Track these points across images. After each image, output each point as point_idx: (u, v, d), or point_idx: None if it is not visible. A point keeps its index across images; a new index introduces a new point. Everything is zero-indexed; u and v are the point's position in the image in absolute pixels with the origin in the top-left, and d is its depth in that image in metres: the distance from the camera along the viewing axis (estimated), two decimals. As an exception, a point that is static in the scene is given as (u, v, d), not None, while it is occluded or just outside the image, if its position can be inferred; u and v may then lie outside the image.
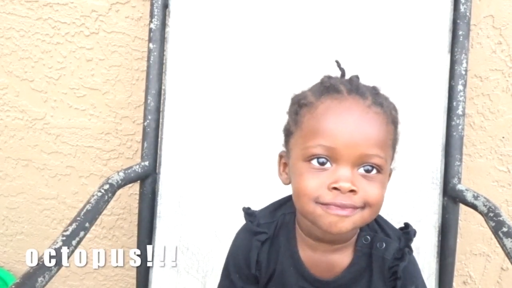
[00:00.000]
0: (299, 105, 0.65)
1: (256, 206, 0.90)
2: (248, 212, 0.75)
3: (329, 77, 0.66)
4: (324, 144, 0.60)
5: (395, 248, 0.69)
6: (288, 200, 0.74)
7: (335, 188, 0.59)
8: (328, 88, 0.63)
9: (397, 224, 0.76)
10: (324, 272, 0.70)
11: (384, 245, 0.69)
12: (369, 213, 0.62)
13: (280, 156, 0.70)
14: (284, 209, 0.74)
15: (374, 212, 0.63)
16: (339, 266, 0.70)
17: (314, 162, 0.60)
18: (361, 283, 0.70)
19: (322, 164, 0.60)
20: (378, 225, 0.71)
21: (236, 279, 0.74)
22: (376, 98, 0.63)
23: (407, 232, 0.71)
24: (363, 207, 0.61)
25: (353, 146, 0.59)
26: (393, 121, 0.64)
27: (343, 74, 0.69)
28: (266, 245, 0.72)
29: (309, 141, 0.61)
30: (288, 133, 0.67)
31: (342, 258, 0.70)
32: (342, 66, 0.69)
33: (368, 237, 0.70)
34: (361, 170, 0.61)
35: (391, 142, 0.64)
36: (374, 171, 0.61)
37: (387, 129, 0.63)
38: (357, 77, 0.66)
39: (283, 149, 0.70)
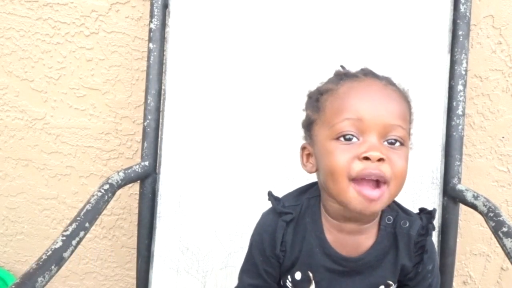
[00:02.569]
0: (320, 93, 0.69)
1: (257, 206, 0.90)
2: (273, 196, 0.76)
3: (342, 68, 0.72)
4: (350, 117, 0.63)
5: (418, 225, 0.72)
6: (311, 186, 0.77)
7: (365, 158, 0.62)
8: (345, 74, 0.69)
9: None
10: (350, 251, 0.72)
11: (408, 223, 0.72)
12: (395, 187, 0.64)
13: (302, 148, 0.73)
14: (308, 193, 0.76)
15: (399, 185, 0.65)
16: (364, 245, 0.72)
17: (342, 139, 0.64)
18: (387, 260, 0.73)
19: (349, 139, 0.63)
20: (398, 206, 0.75)
21: (259, 262, 0.76)
22: (390, 80, 0.68)
23: (428, 212, 0.74)
24: (388, 182, 0.63)
25: (378, 117, 0.63)
26: (408, 100, 0.69)
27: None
28: (291, 226, 0.74)
29: (335, 119, 0.64)
30: (309, 122, 0.70)
31: (367, 238, 0.72)
32: (346, 68, 0.73)
33: (391, 217, 0.73)
34: (386, 143, 0.64)
35: (409, 118, 0.68)
36: (398, 143, 0.64)
37: (405, 105, 0.67)
38: (367, 68, 0.71)
39: (303, 142, 0.73)
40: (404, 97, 0.68)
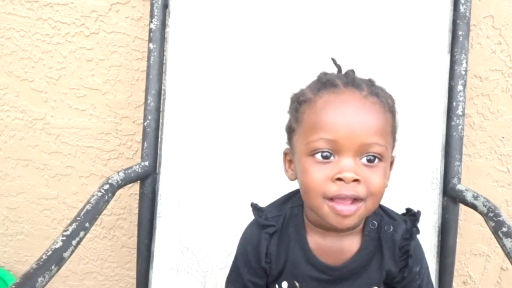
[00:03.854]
0: (298, 102, 0.67)
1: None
2: (256, 207, 0.76)
3: (325, 73, 0.68)
4: (326, 137, 0.62)
5: (403, 229, 0.72)
6: (294, 194, 0.76)
7: (339, 179, 0.61)
8: (325, 83, 0.66)
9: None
10: (335, 259, 0.72)
11: (392, 228, 0.72)
12: (372, 203, 0.64)
13: (285, 154, 0.72)
14: (291, 202, 0.76)
15: (376, 201, 0.65)
16: (349, 251, 0.72)
17: (318, 156, 0.63)
18: (372, 265, 0.72)
19: (326, 157, 0.62)
20: (382, 210, 0.74)
21: (244, 273, 0.76)
22: (372, 89, 0.65)
23: (412, 214, 0.74)
24: (365, 199, 0.63)
25: (353, 137, 0.61)
26: (390, 110, 0.67)
27: (339, 71, 0.71)
28: (275, 238, 0.74)
29: (311, 136, 0.63)
30: (290, 130, 0.70)
31: (351, 244, 0.72)
32: (338, 62, 0.72)
33: (375, 222, 0.72)
34: (364, 160, 0.63)
35: (390, 130, 0.66)
36: (376, 160, 0.63)
37: (385, 117, 0.65)
38: (352, 71, 0.68)
39: (287, 146, 0.72)
40: (385, 108, 0.65)
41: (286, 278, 0.74)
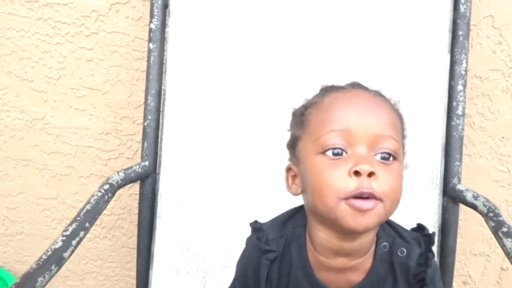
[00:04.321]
0: (304, 107, 0.65)
1: (257, 206, 0.90)
2: (255, 227, 0.71)
3: (332, 84, 0.67)
4: (337, 128, 0.58)
5: (417, 254, 0.67)
6: (296, 212, 0.72)
7: (356, 173, 0.56)
8: (331, 87, 0.65)
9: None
10: (341, 284, 0.67)
11: (405, 251, 0.66)
12: (390, 205, 0.59)
13: (288, 170, 0.68)
14: (293, 222, 0.71)
15: (394, 204, 0.60)
16: (357, 275, 0.67)
17: (329, 153, 0.58)
18: None
19: (338, 154, 0.58)
20: (393, 230, 0.69)
21: None
22: (379, 92, 0.64)
23: (426, 235, 0.69)
24: (382, 199, 0.58)
25: (367, 127, 0.58)
26: (400, 114, 0.65)
27: None
28: (276, 263, 0.69)
29: (321, 131, 0.59)
30: (294, 141, 0.66)
31: (360, 267, 0.67)
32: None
33: (387, 244, 0.67)
34: (378, 157, 0.58)
35: (401, 131, 0.63)
36: (391, 158, 0.59)
37: (397, 116, 0.63)
38: (358, 83, 0.67)
39: (288, 163, 0.69)
40: (395, 109, 0.63)
41: None
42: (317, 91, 0.67)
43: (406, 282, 0.67)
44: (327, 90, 0.64)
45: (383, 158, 0.58)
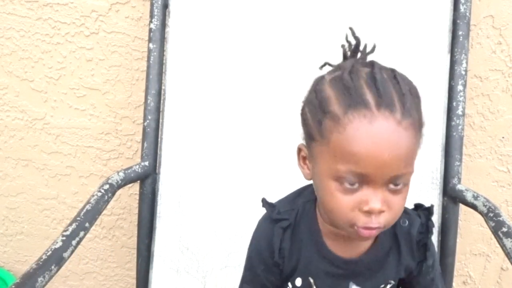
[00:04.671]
0: (323, 112, 0.60)
1: (257, 206, 0.90)
2: (267, 203, 0.74)
3: (350, 72, 0.60)
4: (356, 171, 0.58)
5: (418, 223, 0.72)
6: (305, 188, 0.75)
7: (367, 211, 0.60)
8: (354, 99, 0.58)
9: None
10: (350, 252, 0.71)
11: (407, 222, 0.71)
12: (392, 217, 0.63)
13: (299, 149, 0.68)
14: (303, 197, 0.74)
15: (397, 217, 0.63)
16: (364, 245, 0.71)
17: (346, 184, 0.60)
18: (390, 261, 0.72)
19: (352, 184, 0.60)
20: None
21: (260, 271, 0.74)
22: (403, 101, 0.59)
23: (425, 208, 0.74)
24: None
25: (385, 171, 0.58)
26: (420, 124, 0.62)
27: (357, 44, 0.67)
28: (288, 232, 0.72)
29: (339, 165, 0.59)
30: (309, 135, 0.64)
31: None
32: (356, 34, 0.67)
33: None
34: (391, 186, 0.60)
35: (418, 150, 0.63)
36: (402, 185, 0.61)
37: (417, 140, 0.61)
38: (372, 63, 0.62)
39: (301, 141, 0.68)
40: (416, 128, 0.61)
41: (300, 274, 0.73)
42: (336, 67, 0.64)
43: (410, 250, 0.72)
44: (351, 103, 0.58)
45: (395, 185, 0.60)
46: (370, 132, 0.57)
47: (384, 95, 0.57)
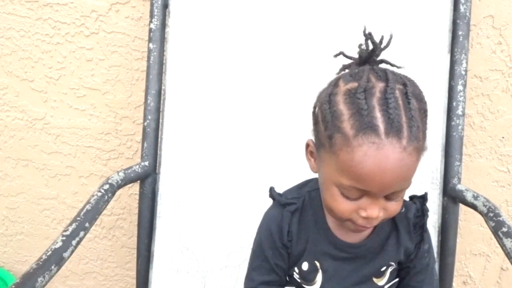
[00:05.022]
0: (335, 127, 0.62)
1: (257, 206, 0.90)
2: (275, 191, 0.79)
3: (364, 89, 0.61)
4: (359, 187, 0.62)
5: (414, 208, 0.77)
6: (310, 180, 0.80)
7: (364, 217, 0.65)
8: (364, 121, 0.59)
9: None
10: (353, 237, 0.76)
11: (404, 208, 0.75)
12: (388, 217, 0.68)
13: (307, 145, 0.71)
14: (309, 187, 0.79)
15: (392, 216, 0.68)
16: (366, 231, 0.76)
17: (347, 193, 0.64)
18: (390, 243, 0.77)
19: (353, 196, 0.64)
20: None
21: (270, 256, 0.77)
22: (411, 126, 0.60)
23: (420, 196, 0.78)
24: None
25: (386, 189, 0.62)
26: (423, 147, 0.65)
27: (374, 49, 0.69)
28: (296, 216, 0.76)
29: (343, 178, 0.62)
30: (319, 140, 0.66)
31: None
32: (374, 40, 0.70)
33: None
34: (389, 196, 0.65)
35: (420, 161, 0.66)
36: (399, 194, 0.66)
37: (418, 159, 0.64)
38: (386, 76, 0.63)
39: (309, 136, 0.71)
40: (420, 149, 0.63)
41: (307, 258, 0.77)
42: (348, 76, 0.65)
43: (408, 232, 0.77)
44: (361, 127, 0.59)
45: (393, 196, 0.65)
46: (377, 158, 0.59)
47: (394, 121, 0.59)
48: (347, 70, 0.70)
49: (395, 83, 0.62)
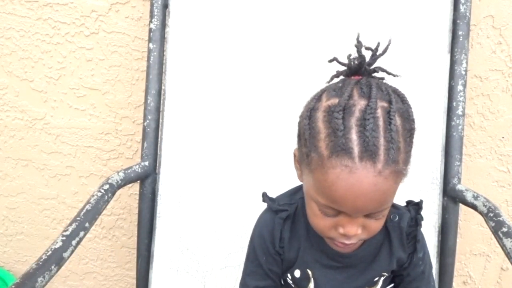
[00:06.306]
0: (312, 145, 0.60)
1: (257, 206, 0.90)
2: (267, 196, 0.78)
3: (344, 108, 0.58)
4: (334, 207, 0.61)
5: (407, 217, 0.75)
6: (302, 186, 0.77)
7: (342, 234, 0.64)
8: (339, 142, 0.57)
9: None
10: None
11: (397, 217, 0.74)
12: (368, 236, 0.66)
13: (294, 155, 0.70)
14: (301, 193, 0.75)
15: (372, 234, 0.67)
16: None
17: (325, 211, 0.63)
18: (382, 253, 0.75)
19: (330, 214, 0.63)
20: None
21: (263, 262, 0.77)
22: (388, 149, 0.57)
23: (415, 203, 0.77)
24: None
25: (361, 211, 0.61)
26: (404, 171, 0.60)
27: (361, 63, 0.66)
28: (288, 223, 0.76)
29: (319, 197, 0.61)
30: (301, 152, 0.65)
31: None
32: (362, 53, 0.67)
33: None
34: (368, 216, 0.63)
35: (401, 180, 0.63)
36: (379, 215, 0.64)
37: (396, 184, 0.61)
38: (369, 93, 0.60)
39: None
40: (398, 174, 0.59)
41: (299, 266, 0.76)
42: (325, 118, 0.60)
43: (400, 242, 0.75)
44: (335, 149, 0.57)
45: (371, 217, 0.63)
46: (349, 181, 0.57)
47: (370, 144, 0.56)
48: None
49: (377, 101, 0.59)
